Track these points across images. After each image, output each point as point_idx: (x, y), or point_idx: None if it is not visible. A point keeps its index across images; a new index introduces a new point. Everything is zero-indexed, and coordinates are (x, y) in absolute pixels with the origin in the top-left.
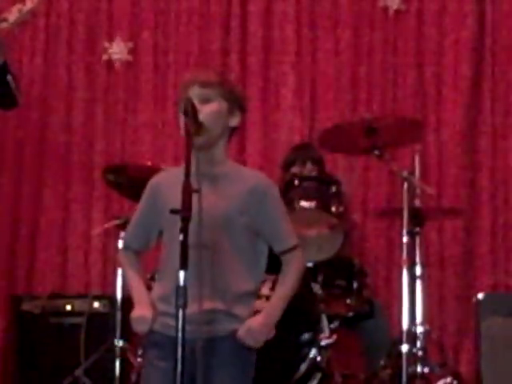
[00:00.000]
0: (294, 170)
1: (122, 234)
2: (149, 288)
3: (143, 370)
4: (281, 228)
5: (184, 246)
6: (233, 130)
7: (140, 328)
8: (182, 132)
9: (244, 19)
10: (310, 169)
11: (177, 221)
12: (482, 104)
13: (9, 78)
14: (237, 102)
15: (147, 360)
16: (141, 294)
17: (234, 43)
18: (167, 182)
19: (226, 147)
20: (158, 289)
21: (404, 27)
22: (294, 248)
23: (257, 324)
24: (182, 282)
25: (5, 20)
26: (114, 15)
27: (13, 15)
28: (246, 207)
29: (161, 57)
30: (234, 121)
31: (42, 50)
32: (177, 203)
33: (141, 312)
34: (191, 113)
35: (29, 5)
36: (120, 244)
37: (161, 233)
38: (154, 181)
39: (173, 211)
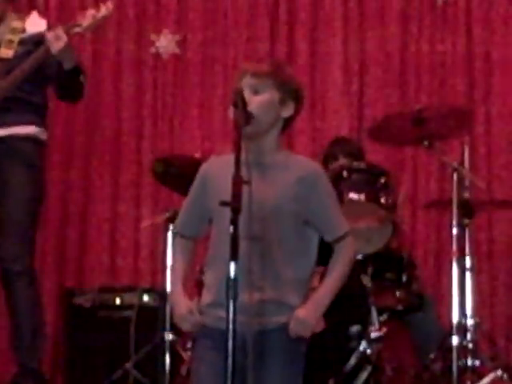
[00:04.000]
0: (330, 165)
1: (171, 226)
2: (199, 283)
3: (193, 364)
4: (331, 217)
5: (234, 237)
6: (287, 120)
7: (184, 326)
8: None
9: (292, 10)
10: (342, 162)
11: (225, 211)
12: None
13: (82, 78)
14: (291, 93)
15: (196, 352)
16: (176, 287)
17: (281, 35)
18: (216, 170)
19: (278, 137)
20: (208, 278)
21: (452, 18)
22: (344, 236)
23: (304, 312)
24: (232, 274)
25: (78, 25)
26: (161, 7)
27: (86, 21)
28: (294, 195)
29: (209, 49)
30: (287, 112)
31: (89, 44)
32: (226, 193)
33: (180, 310)
34: (240, 103)
35: (103, 11)
36: (169, 236)
37: (211, 220)
38: (203, 168)
39: (223, 203)
